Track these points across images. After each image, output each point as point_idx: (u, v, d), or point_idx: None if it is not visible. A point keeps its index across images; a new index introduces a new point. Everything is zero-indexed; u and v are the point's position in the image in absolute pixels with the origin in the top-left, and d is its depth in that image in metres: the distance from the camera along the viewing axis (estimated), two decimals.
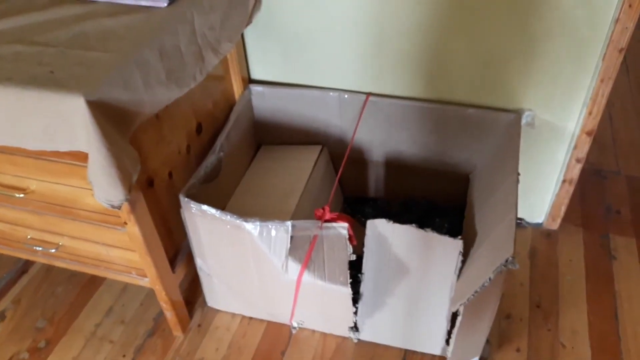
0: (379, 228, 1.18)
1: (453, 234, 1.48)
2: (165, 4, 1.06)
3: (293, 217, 1.34)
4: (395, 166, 1.56)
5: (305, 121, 1.54)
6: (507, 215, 1.09)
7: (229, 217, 1.12)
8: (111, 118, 0.89)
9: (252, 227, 1.12)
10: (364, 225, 1.61)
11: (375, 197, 1.66)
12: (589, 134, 1.32)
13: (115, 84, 0.90)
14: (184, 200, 1.16)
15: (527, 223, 1.59)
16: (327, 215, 1.20)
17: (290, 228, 1.11)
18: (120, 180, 0.89)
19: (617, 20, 1.14)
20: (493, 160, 1.39)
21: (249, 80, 1.53)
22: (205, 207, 1.13)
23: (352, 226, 1.28)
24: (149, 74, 0.97)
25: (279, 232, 1.12)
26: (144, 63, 0.96)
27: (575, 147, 1.35)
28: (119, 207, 0.92)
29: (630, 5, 1.11)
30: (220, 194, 1.36)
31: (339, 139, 1.55)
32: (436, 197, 1.58)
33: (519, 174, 1.17)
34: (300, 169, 1.50)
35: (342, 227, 1.16)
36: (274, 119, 1.55)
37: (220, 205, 1.37)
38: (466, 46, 1.26)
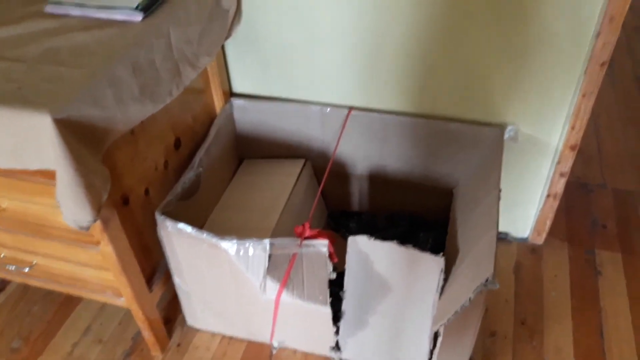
0: (360, 245, 1.16)
1: (437, 249, 1.47)
2: (140, 19, 1.04)
3: (274, 233, 1.31)
4: (379, 180, 1.54)
5: (287, 135, 1.52)
6: (488, 233, 1.07)
7: (205, 235, 1.09)
8: (80, 136, 0.87)
9: (228, 246, 1.09)
10: (346, 240, 1.59)
11: (360, 211, 1.64)
12: (572, 148, 1.31)
13: (84, 101, 0.88)
14: (159, 218, 1.13)
15: (512, 238, 1.57)
16: (307, 232, 1.18)
17: (268, 246, 1.09)
18: (88, 200, 0.86)
19: (598, 35, 1.13)
20: (476, 174, 1.38)
21: (230, 94, 1.51)
22: (181, 225, 1.11)
23: (334, 242, 1.26)
24: (122, 90, 0.95)
25: (257, 251, 1.09)
26: (115, 79, 0.94)
27: (558, 162, 1.34)
28: (87, 229, 0.90)
29: (611, 20, 1.11)
30: (199, 210, 1.34)
31: (322, 152, 1.53)
32: (421, 211, 1.56)
33: (500, 190, 1.15)
34: (282, 183, 1.48)
35: (322, 245, 1.14)
36: (256, 133, 1.53)
37: (200, 222, 1.35)
38: (448, 61, 1.25)
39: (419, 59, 1.27)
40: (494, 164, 1.27)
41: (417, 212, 1.57)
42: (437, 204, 1.51)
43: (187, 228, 1.10)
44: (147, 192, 1.18)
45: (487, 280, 0.95)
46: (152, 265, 1.25)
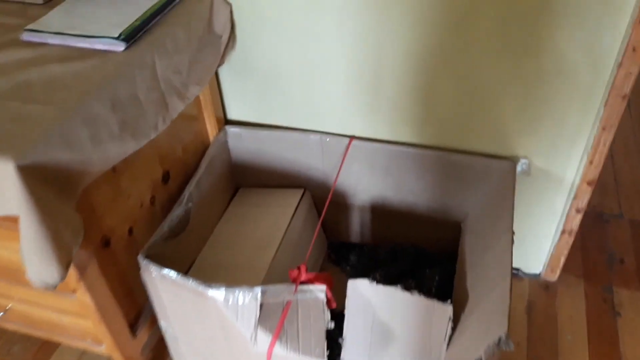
0: (360, 289, 1.08)
1: (444, 286, 1.38)
2: (122, 49, 0.96)
3: (270, 271, 1.23)
4: (381, 211, 1.45)
5: (286, 163, 1.43)
6: (501, 283, 0.98)
7: (191, 282, 1.00)
8: (49, 182, 0.78)
9: (216, 294, 1.00)
10: (348, 275, 1.50)
11: (361, 243, 1.55)
12: (590, 183, 1.22)
13: (54, 143, 0.79)
14: (143, 262, 1.04)
15: (524, 274, 1.48)
16: (303, 276, 1.09)
17: (259, 295, 1.00)
18: (55, 256, 0.78)
19: (620, 65, 1.04)
20: (486, 209, 1.28)
21: (225, 121, 1.42)
22: (166, 270, 1.02)
23: (332, 286, 1.18)
24: (98, 128, 0.87)
25: (247, 300, 1.00)
26: (91, 117, 0.85)
27: (575, 197, 1.25)
28: (54, 288, 0.81)
29: (634, 49, 1.02)
30: (189, 247, 1.25)
31: (322, 182, 1.44)
32: (426, 244, 1.47)
33: (513, 233, 1.06)
34: (279, 214, 1.39)
35: (319, 290, 1.05)
36: (252, 161, 1.45)
37: (190, 259, 1.26)
38: (456, 89, 1.17)
39: (424, 87, 1.19)
40: (505, 200, 1.18)
41: (422, 244, 1.47)
42: (444, 237, 1.42)
43: (172, 274, 1.02)
44: (130, 231, 1.10)
45: (500, 340, 0.86)
46: (136, 308, 1.16)
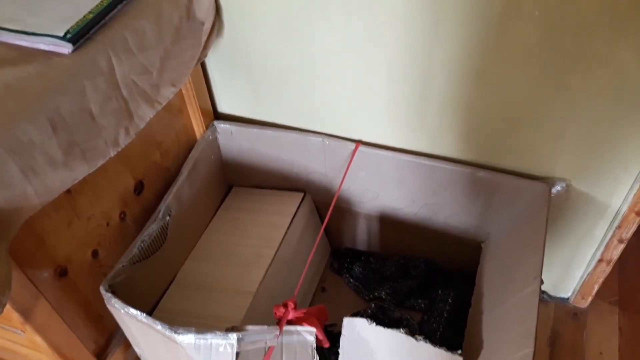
0: (358, 328, 0.94)
1: (457, 311, 1.22)
2: (69, 51, 0.78)
3: (256, 298, 1.08)
4: (391, 222, 1.28)
5: (283, 165, 1.26)
6: (522, 349, 0.81)
7: (159, 326, 0.86)
8: None
9: (185, 340, 0.86)
10: (350, 287, 1.35)
11: (368, 251, 1.39)
12: (639, 213, 1.02)
13: None
14: (106, 295, 0.91)
15: (550, 297, 1.30)
16: (291, 315, 0.95)
17: (235, 343, 0.86)
18: None
19: None
20: (513, 233, 1.10)
21: (214, 116, 1.24)
22: (130, 310, 0.88)
23: (326, 320, 1.03)
24: (32, 157, 0.71)
25: (221, 348, 0.86)
26: (21, 145, 0.69)
27: (619, 227, 1.05)
28: None
29: None
30: (166, 266, 1.11)
31: (324, 186, 1.27)
32: (440, 260, 1.30)
33: (542, 282, 0.88)
34: (275, 223, 1.23)
35: (308, 332, 0.91)
36: (246, 160, 1.28)
37: (166, 281, 1.12)
38: (486, 100, 0.96)
39: (448, 95, 0.98)
40: (535, 225, 1.00)
41: (435, 258, 1.31)
42: (460, 255, 1.25)
43: (138, 314, 0.88)
44: (95, 254, 0.96)
45: None
46: (107, 333, 1.04)
